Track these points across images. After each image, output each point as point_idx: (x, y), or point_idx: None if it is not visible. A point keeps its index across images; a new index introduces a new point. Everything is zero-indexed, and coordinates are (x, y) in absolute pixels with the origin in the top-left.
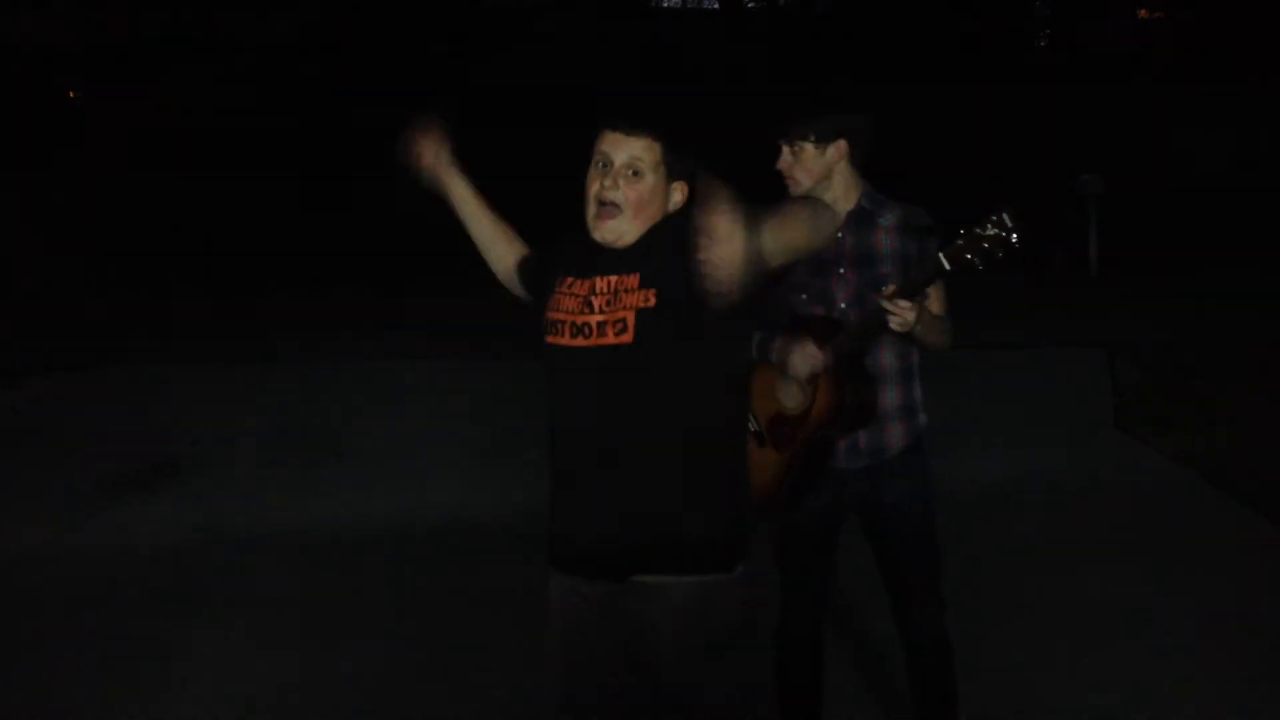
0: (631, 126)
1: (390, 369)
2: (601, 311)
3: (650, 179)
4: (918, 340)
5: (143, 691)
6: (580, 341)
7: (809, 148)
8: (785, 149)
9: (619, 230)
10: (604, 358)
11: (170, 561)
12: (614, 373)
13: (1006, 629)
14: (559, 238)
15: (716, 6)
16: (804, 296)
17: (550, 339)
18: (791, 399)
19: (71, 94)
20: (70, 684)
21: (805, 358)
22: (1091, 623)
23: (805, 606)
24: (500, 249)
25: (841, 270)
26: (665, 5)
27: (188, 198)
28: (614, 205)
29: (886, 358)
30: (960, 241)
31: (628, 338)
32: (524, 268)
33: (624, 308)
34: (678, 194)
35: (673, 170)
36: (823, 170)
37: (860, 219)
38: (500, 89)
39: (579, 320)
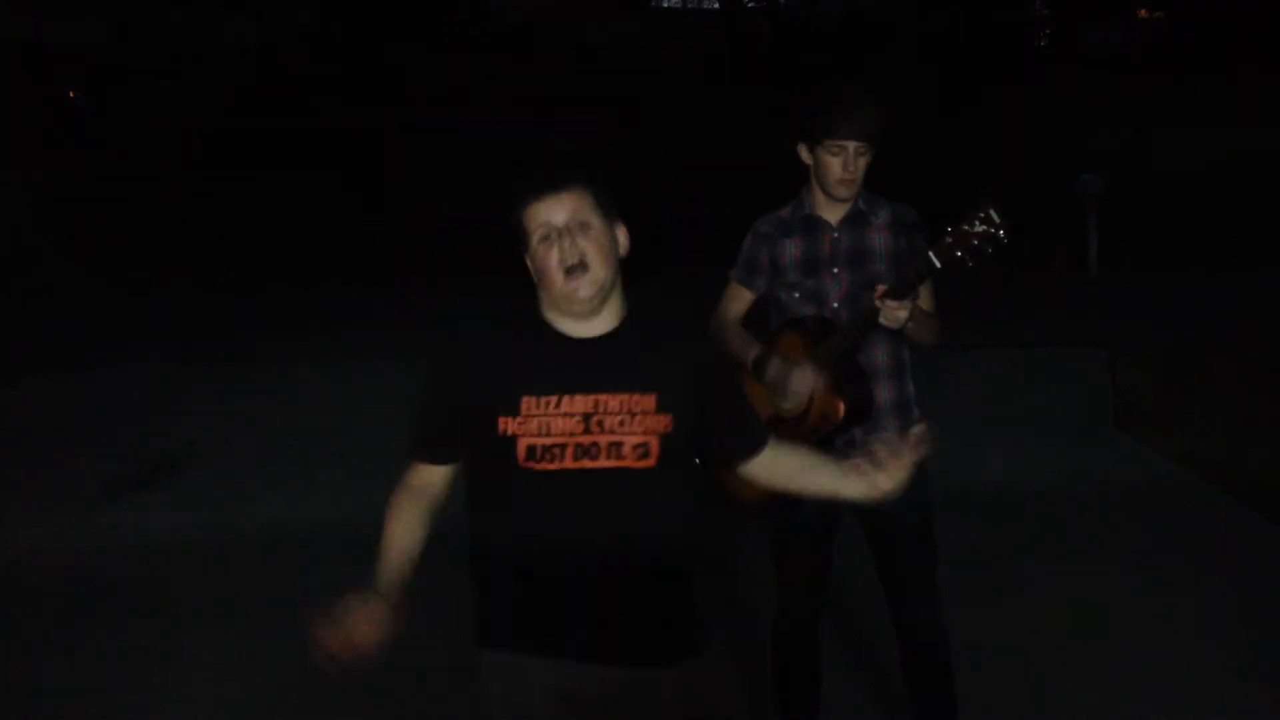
0: (558, 185)
1: (390, 369)
2: (614, 431)
3: (597, 224)
4: (908, 337)
5: (142, 691)
6: (587, 463)
7: (866, 151)
8: (850, 151)
9: (592, 285)
10: (621, 479)
11: (170, 561)
12: (630, 494)
13: (1005, 628)
14: (462, 365)
15: (716, 6)
16: (796, 295)
17: (539, 465)
18: (787, 401)
19: (71, 94)
20: (70, 684)
21: (803, 381)
22: (1091, 622)
23: (803, 602)
24: (424, 519)
25: (835, 270)
26: (665, 5)
27: (188, 197)
28: (581, 266)
29: (880, 356)
30: (949, 239)
31: (650, 462)
32: (435, 450)
33: (645, 431)
34: (621, 235)
35: (609, 210)
36: (864, 173)
37: (855, 219)
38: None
39: (584, 441)
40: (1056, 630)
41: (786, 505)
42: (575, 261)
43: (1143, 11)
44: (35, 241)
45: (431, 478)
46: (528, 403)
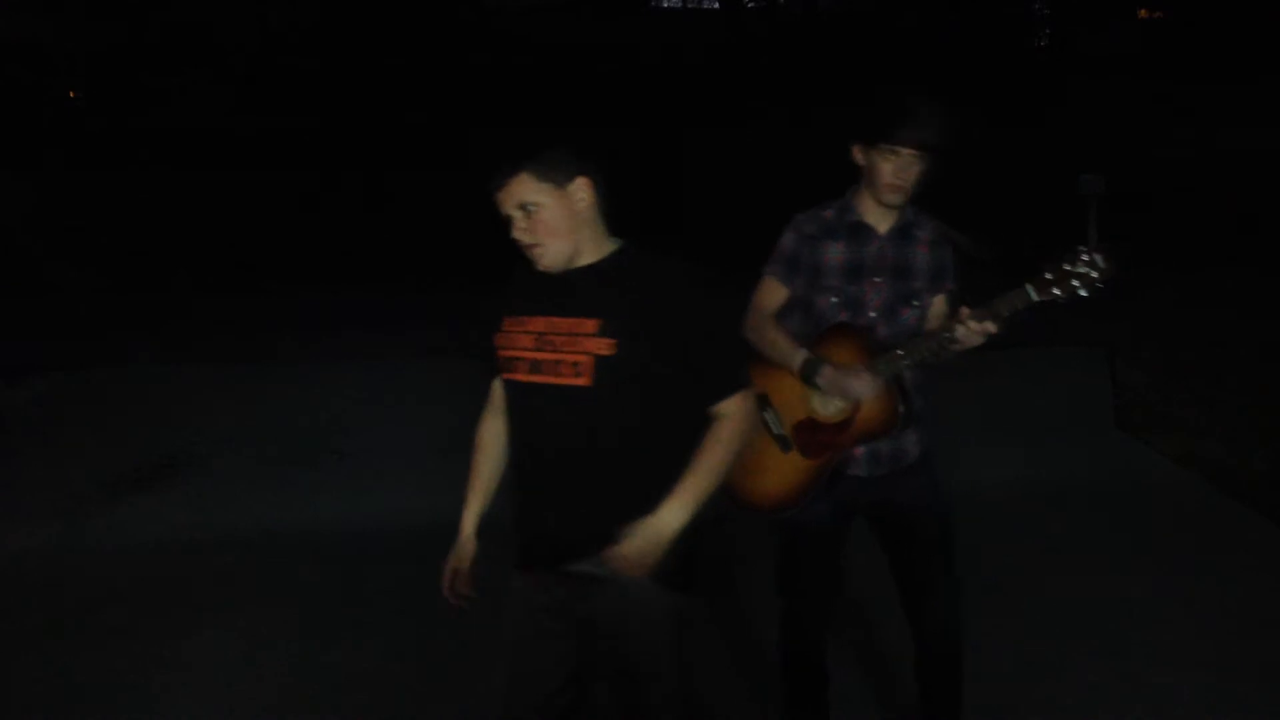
0: (496, 182)
1: (390, 369)
2: (557, 350)
3: (546, 202)
4: (946, 357)
5: (142, 691)
6: (538, 377)
7: (920, 159)
8: (904, 158)
9: (549, 256)
10: (561, 394)
11: (170, 561)
12: (570, 409)
13: (1005, 628)
14: (510, 277)
15: (716, 6)
16: (834, 300)
17: (507, 376)
18: (830, 406)
19: (72, 94)
20: (70, 683)
21: (864, 386)
22: (1091, 622)
23: (814, 609)
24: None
25: (878, 279)
26: (665, 5)
27: (187, 197)
28: (533, 244)
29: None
30: (1049, 276)
31: (584, 380)
32: (491, 364)
33: (581, 351)
34: (580, 192)
35: (558, 178)
36: (917, 183)
37: (903, 231)
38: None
39: (536, 357)
40: (1056, 630)
41: (803, 509)
42: (528, 242)
43: (1143, 11)
44: (35, 241)
45: (498, 391)
46: (507, 322)
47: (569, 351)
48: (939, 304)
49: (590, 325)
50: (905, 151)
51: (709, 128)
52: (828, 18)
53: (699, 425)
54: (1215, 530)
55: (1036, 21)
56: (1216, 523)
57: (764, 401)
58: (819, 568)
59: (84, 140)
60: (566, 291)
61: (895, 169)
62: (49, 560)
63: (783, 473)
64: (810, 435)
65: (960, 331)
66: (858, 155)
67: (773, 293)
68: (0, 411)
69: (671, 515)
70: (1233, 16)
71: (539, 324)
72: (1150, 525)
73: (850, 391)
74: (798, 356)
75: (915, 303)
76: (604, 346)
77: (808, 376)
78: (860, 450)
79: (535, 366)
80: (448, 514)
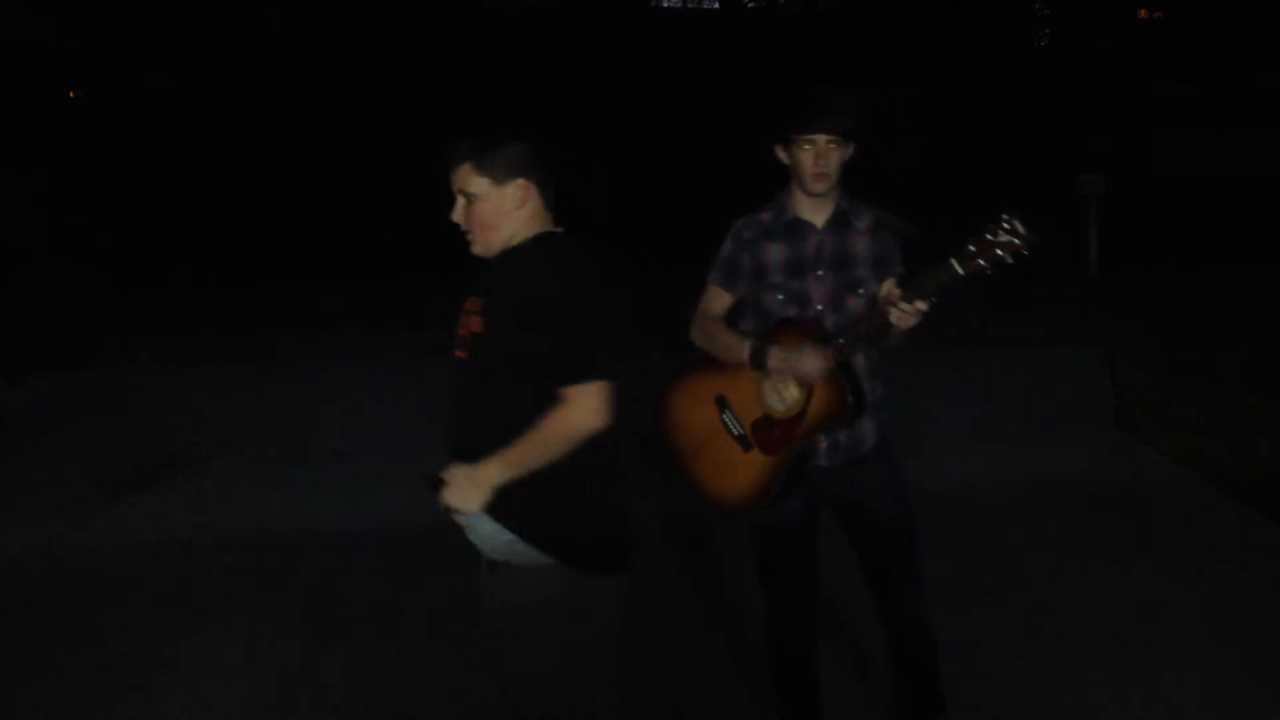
0: (449, 165)
1: (390, 369)
2: (465, 327)
3: (481, 195)
4: (891, 342)
5: (142, 691)
6: (457, 352)
7: (837, 145)
8: (821, 145)
9: (478, 245)
10: (456, 366)
11: (170, 561)
12: (458, 381)
13: (1005, 629)
14: None
15: (716, 6)
16: (780, 297)
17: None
18: (781, 402)
19: (72, 94)
20: (70, 683)
21: (814, 361)
22: (1091, 623)
23: (795, 605)
24: None
25: (820, 272)
26: (665, 5)
27: (186, 197)
28: (465, 230)
29: (862, 357)
30: (972, 248)
31: (463, 355)
32: None
33: (467, 329)
34: (518, 193)
35: (499, 175)
36: (840, 169)
37: (839, 222)
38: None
39: (461, 333)
40: (1055, 630)
41: (772, 504)
42: (464, 229)
43: (1143, 11)
44: (35, 241)
45: None
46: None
47: (463, 328)
48: (888, 289)
49: (477, 304)
50: (820, 139)
51: (707, 127)
52: (828, 18)
53: None
54: (1215, 530)
55: (1036, 21)
56: (1216, 523)
57: (723, 404)
58: (795, 563)
59: (84, 140)
60: (479, 276)
61: (815, 158)
62: (49, 560)
63: (747, 472)
64: (767, 432)
65: (893, 314)
66: (781, 155)
67: (715, 299)
68: (0, 411)
69: (485, 469)
70: (1232, 16)
71: (467, 303)
72: (1150, 525)
73: (800, 367)
74: (745, 346)
75: (860, 291)
76: (477, 324)
77: (757, 362)
78: (824, 443)
79: (460, 342)
80: (446, 514)
